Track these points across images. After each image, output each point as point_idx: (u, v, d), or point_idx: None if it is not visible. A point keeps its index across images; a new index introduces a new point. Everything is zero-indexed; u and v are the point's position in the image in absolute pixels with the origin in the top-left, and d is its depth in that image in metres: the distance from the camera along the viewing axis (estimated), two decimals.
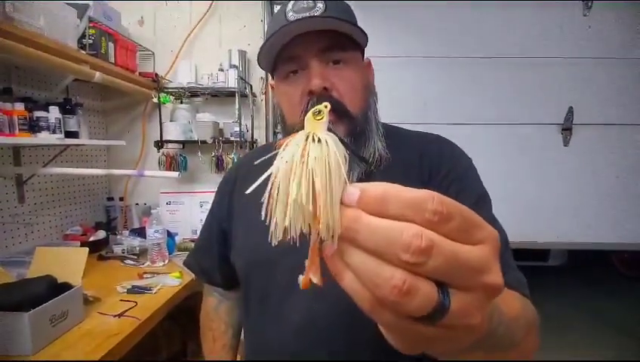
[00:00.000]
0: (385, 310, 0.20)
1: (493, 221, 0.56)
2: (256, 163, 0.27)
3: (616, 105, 1.76)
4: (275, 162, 0.23)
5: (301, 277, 0.25)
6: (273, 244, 0.22)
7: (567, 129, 1.78)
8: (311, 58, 0.57)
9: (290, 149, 0.23)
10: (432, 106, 1.82)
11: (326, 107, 0.25)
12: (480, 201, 0.58)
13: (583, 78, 1.75)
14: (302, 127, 0.60)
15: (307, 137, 0.23)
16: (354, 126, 0.59)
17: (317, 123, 0.24)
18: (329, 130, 0.24)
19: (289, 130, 0.62)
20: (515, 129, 1.80)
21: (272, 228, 0.22)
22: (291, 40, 0.56)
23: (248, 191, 0.24)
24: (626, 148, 1.77)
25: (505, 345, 0.32)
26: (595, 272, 3.75)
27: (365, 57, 0.66)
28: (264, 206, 0.23)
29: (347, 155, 0.23)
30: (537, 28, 1.75)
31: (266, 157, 0.25)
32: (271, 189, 0.23)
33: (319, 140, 0.23)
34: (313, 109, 0.25)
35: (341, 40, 0.58)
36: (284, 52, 0.58)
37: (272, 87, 0.67)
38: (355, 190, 0.21)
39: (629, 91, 1.75)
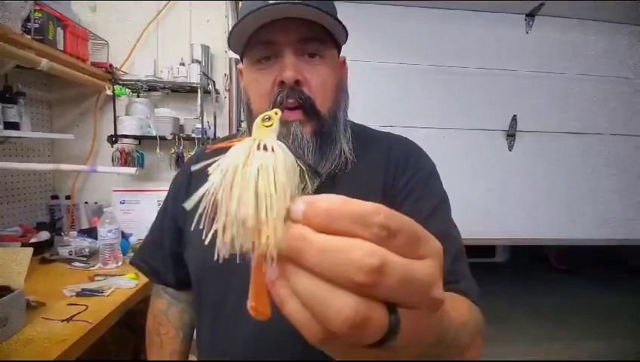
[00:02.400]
0: (335, 341, 0.18)
1: (450, 226, 0.57)
2: (193, 169, 0.25)
3: (555, 114, 1.97)
4: (213, 171, 0.21)
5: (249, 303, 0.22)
6: (220, 260, 0.20)
7: (511, 135, 1.95)
8: (286, 47, 0.54)
9: (233, 157, 0.21)
10: (389, 109, 1.91)
11: (276, 114, 0.23)
12: (441, 205, 0.58)
13: (527, 88, 1.93)
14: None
15: (253, 145, 0.21)
16: (321, 125, 0.57)
17: (266, 130, 0.22)
18: (287, 134, 0.22)
19: (254, 118, 0.61)
20: (464, 134, 1.94)
21: (217, 243, 0.20)
22: (268, 23, 0.53)
23: (187, 205, 0.22)
24: (561, 153, 1.98)
25: (452, 349, 0.32)
26: (533, 268, 4.14)
27: (341, 55, 0.64)
28: (202, 220, 0.21)
29: (299, 165, 0.21)
30: (489, 42, 1.91)
31: (211, 160, 0.22)
32: (209, 202, 0.21)
33: (265, 148, 0.21)
34: (263, 115, 0.23)
35: (321, 33, 0.56)
36: (259, 35, 0.55)
37: (240, 72, 0.64)
38: (300, 205, 0.19)
39: (566, 101, 1.96)
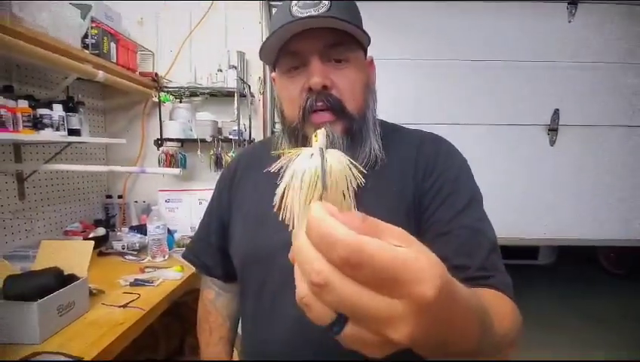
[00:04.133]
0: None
1: (482, 221, 0.57)
2: (272, 153, 0.34)
3: (601, 106, 1.84)
4: (287, 171, 0.30)
5: None
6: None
7: (553, 130, 1.86)
8: (312, 55, 0.58)
9: (301, 162, 0.29)
10: (423, 107, 1.88)
11: (323, 132, 0.31)
12: (472, 201, 0.58)
13: (569, 81, 1.83)
14: (300, 124, 0.64)
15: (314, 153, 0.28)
16: (351, 125, 0.59)
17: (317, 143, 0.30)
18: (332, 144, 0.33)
19: (287, 123, 0.63)
20: (503, 129, 1.87)
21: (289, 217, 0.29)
22: (294, 36, 0.57)
23: (271, 169, 0.31)
24: (609, 147, 1.85)
25: (488, 355, 0.33)
26: (582, 271, 3.85)
27: (368, 55, 0.66)
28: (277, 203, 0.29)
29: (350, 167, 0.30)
30: (525, 33, 1.83)
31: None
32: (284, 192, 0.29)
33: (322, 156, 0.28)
34: (318, 131, 0.30)
35: (343, 38, 0.58)
36: (287, 47, 0.59)
37: (274, 80, 0.68)
38: (313, 207, 0.23)
39: (612, 93, 1.83)
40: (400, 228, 0.22)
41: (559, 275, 3.69)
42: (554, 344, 2.38)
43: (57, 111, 1.35)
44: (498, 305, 0.44)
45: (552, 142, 1.86)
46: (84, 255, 1.09)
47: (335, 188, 0.28)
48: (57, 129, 1.34)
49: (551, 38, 1.82)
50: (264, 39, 0.60)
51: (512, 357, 0.39)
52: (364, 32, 0.59)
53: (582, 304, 3.03)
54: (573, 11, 1.80)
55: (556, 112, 1.84)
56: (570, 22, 1.81)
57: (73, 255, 1.09)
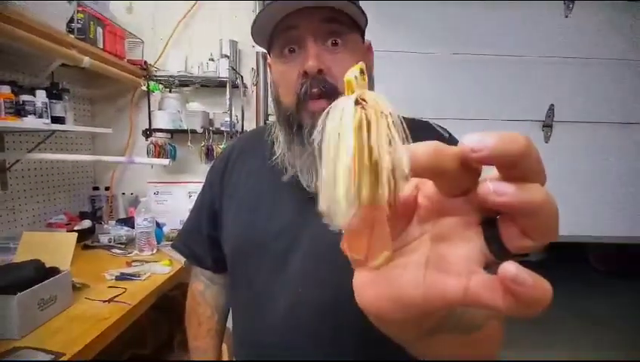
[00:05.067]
0: None
1: None
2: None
3: (597, 103, 1.84)
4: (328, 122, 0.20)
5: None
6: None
7: (547, 126, 1.85)
8: (307, 36, 0.56)
9: (338, 114, 0.20)
10: (416, 101, 1.86)
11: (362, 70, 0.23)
12: None
13: (565, 76, 1.82)
14: (296, 111, 0.60)
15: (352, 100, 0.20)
16: None
17: (363, 83, 0.22)
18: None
19: (283, 111, 0.61)
20: (497, 125, 1.86)
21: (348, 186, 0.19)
22: (287, 15, 0.55)
23: (314, 137, 0.22)
24: (603, 145, 1.86)
25: (465, 325, 0.27)
26: (572, 268, 3.90)
27: (366, 40, 0.64)
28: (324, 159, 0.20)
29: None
30: (521, 27, 1.81)
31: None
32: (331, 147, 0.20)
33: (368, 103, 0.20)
34: (357, 67, 0.22)
35: (340, 19, 0.56)
36: (280, 28, 0.57)
37: (270, 66, 0.66)
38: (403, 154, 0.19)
39: (607, 90, 1.84)
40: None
41: (550, 272, 3.73)
42: (546, 342, 2.40)
43: (40, 97, 1.30)
44: None
45: (547, 139, 1.86)
46: (67, 247, 1.05)
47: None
48: (40, 116, 1.29)
49: (546, 33, 1.81)
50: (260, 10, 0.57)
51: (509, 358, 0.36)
52: (362, 11, 0.57)
53: (573, 301, 3.07)
54: (571, 6, 1.79)
55: (551, 108, 1.83)
56: (567, 17, 1.80)
57: (56, 247, 1.05)
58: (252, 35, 0.61)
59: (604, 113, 1.84)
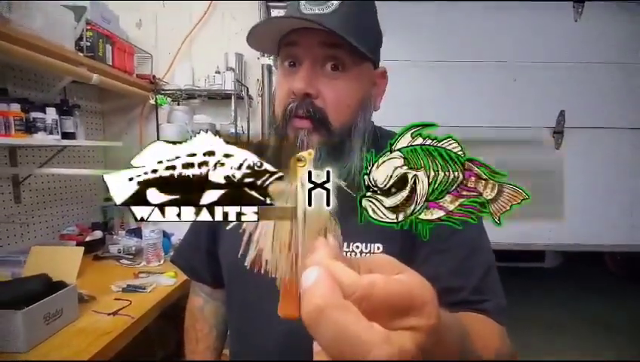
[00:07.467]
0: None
1: (480, 237, 0.56)
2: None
3: (609, 108, 1.78)
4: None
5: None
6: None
7: (558, 132, 1.80)
8: (306, 57, 0.55)
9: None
10: (425, 109, 1.84)
11: (310, 154, 0.25)
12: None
13: (575, 81, 1.78)
14: (282, 125, 0.60)
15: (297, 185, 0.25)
16: (330, 137, 0.56)
17: (300, 170, 0.25)
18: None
19: (274, 121, 0.61)
20: (507, 132, 1.82)
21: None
22: (294, 31, 0.55)
23: (228, 227, 0.28)
24: (617, 150, 1.79)
25: None
26: (589, 274, 3.77)
27: (380, 66, 0.61)
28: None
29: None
30: (530, 33, 1.78)
31: None
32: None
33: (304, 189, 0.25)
34: (297, 155, 0.25)
35: (345, 45, 0.54)
36: (285, 41, 0.58)
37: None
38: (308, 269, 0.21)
39: (621, 94, 1.78)
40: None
41: (566, 278, 3.61)
42: (560, 348, 2.33)
43: (51, 114, 1.34)
44: (482, 330, 0.44)
45: (558, 145, 1.81)
46: (74, 261, 1.08)
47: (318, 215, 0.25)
48: (51, 132, 1.33)
49: (556, 38, 1.77)
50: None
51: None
52: (376, 40, 0.57)
53: (588, 307, 2.96)
54: (580, 10, 1.74)
55: (562, 114, 1.78)
56: (576, 21, 1.76)
57: (63, 261, 1.08)
58: (247, 39, 0.60)
59: (615, 118, 1.79)
